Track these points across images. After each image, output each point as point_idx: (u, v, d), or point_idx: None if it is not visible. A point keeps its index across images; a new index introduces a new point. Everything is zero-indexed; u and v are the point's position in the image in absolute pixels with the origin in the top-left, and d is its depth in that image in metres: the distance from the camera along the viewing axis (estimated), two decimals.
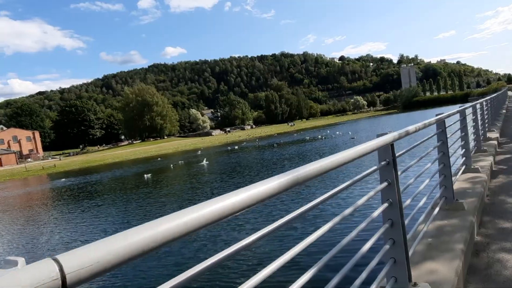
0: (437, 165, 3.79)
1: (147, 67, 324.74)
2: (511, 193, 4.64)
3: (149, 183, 20.99)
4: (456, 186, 4.29)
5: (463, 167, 5.14)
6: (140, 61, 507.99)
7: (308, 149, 28.26)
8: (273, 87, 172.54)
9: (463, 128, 5.34)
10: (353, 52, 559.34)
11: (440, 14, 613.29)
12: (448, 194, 3.76)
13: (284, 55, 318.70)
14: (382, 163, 2.15)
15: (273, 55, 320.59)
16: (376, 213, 2.11)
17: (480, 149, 6.96)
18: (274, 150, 32.94)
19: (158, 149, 66.84)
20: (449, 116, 3.96)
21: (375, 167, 2.15)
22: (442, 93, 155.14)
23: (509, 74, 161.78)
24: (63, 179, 33.38)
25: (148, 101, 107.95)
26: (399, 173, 2.25)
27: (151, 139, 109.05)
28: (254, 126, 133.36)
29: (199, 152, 43.87)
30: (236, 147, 44.26)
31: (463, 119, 5.37)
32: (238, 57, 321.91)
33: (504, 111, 17.55)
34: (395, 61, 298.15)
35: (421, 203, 3.01)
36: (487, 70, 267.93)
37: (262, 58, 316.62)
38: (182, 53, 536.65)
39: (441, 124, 3.76)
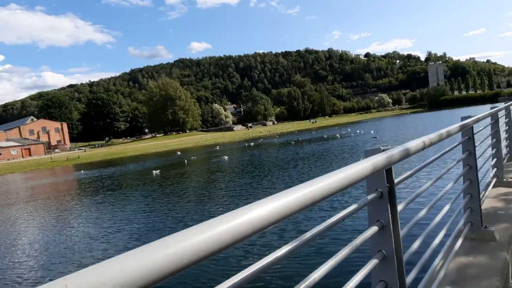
0: (461, 182, 2.98)
1: (173, 62, 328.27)
2: None
3: (156, 180, 20.52)
4: (484, 206, 3.46)
5: (494, 180, 4.23)
6: (166, 56, 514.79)
7: (325, 149, 27.01)
8: (296, 83, 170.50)
9: (495, 133, 4.45)
10: (379, 49, 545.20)
11: (470, 11, 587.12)
12: (475, 219, 2.95)
13: (308, 51, 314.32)
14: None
15: (297, 51, 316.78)
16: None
17: (502, 180, 5.42)
18: (290, 148, 31.90)
19: (179, 143, 67.18)
20: (478, 120, 3.10)
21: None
22: (471, 92, 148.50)
23: None
24: (82, 171, 33.78)
25: (171, 95, 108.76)
26: (399, 206, 1.51)
27: (174, 133, 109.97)
28: (276, 122, 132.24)
29: (218, 148, 43.50)
30: (252, 143, 43.31)
31: (494, 123, 4.49)
32: (262, 53, 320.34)
33: None
34: (422, 58, 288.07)
35: (437, 240, 2.22)
36: None
37: (286, 54, 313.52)
38: (207, 48, 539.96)
39: (468, 131, 2.93)
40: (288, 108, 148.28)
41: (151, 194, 16.40)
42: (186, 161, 29.98)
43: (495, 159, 4.40)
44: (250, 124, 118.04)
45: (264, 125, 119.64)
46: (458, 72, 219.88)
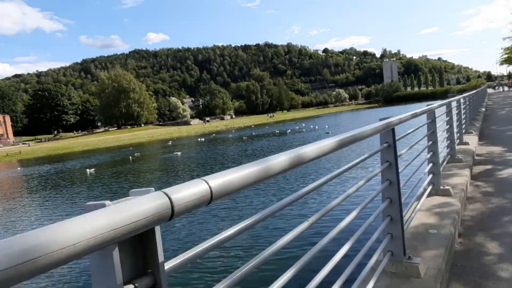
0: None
1: (128, 52, 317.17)
2: (492, 232, 3.30)
3: (87, 180, 18.88)
4: (413, 222, 3.18)
5: (429, 187, 3.88)
6: (122, 46, 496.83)
7: (274, 145, 26.16)
8: (255, 77, 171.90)
9: (431, 134, 5.07)
10: (337, 45, 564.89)
11: (423, 10, 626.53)
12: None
13: (268, 45, 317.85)
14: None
15: (257, 45, 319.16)
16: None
17: (454, 157, 5.66)
18: (240, 144, 31.17)
19: (132, 137, 65.55)
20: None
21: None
22: (423, 88, 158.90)
23: (489, 72, 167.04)
24: (19, 168, 31.53)
25: (124, 87, 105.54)
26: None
27: (128, 127, 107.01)
28: (234, 116, 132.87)
29: (170, 143, 42.23)
30: (203, 139, 42.30)
31: (431, 122, 4.58)
32: (222, 45, 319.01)
33: (483, 109, 17.93)
34: (378, 55, 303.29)
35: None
36: (468, 68, 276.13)
37: (245, 48, 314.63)
38: (165, 39, 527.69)
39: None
40: (247, 102, 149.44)
41: (72, 197, 14.86)
42: (131, 157, 27.88)
43: (430, 165, 3.96)
44: (207, 118, 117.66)
45: (222, 119, 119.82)
46: (411, 69, 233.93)
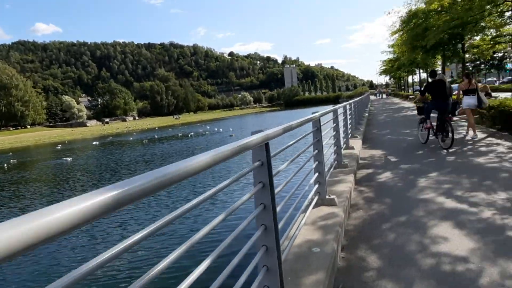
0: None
1: (11, 43, 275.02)
2: (373, 242, 3.29)
3: None
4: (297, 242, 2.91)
5: (316, 197, 3.79)
6: (3, 37, 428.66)
7: (175, 150, 24.43)
8: (159, 77, 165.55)
9: (316, 142, 5.69)
10: (242, 49, 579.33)
11: (318, 22, 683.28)
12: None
13: (173, 45, 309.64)
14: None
15: (162, 44, 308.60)
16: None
17: (341, 163, 5.79)
18: (139, 148, 28.72)
19: (15, 140, 56.79)
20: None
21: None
22: (318, 94, 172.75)
23: (371, 81, 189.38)
24: None
25: (4, 83, 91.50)
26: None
27: (10, 128, 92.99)
28: (137, 118, 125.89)
29: (60, 147, 37.08)
30: (98, 142, 38.68)
31: (316, 131, 5.62)
32: (123, 42, 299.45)
33: (367, 114, 19.68)
34: (279, 61, 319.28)
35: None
36: (355, 76, 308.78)
37: (149, 46, 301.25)
38: (57, 31, 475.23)
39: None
40: (151, 103, 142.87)
41: None
42: (6, 165, 23.63)
43: (316, 174, 3.88)
44: (107, 120, 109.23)
45: (124, 120, 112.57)
46: (309, 75, 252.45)
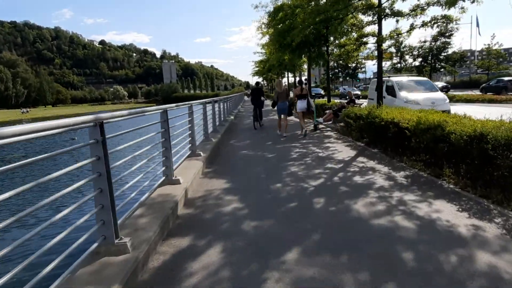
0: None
1: None
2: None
3: None
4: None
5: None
6: None
7: None
8: (4, 61, 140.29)
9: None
10: (117, 39, 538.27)
11: (198, 20, 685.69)
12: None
13: (29, 25, 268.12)
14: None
15: (13, 23, 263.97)
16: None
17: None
18: None
19: None
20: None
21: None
22: (198, 91, 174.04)
23: (247, 82, 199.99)
24: None
25: None
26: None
27: None
28: None
29: None
30: None
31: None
32: None
33: (232, 117, 18.13)
34: (158, 55, 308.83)
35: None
36: (234, 76, 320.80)
37: None
38: None
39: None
40: None
41: None
42: None
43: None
44: None
45: None
46: (189, 72, 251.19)
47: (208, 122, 9.10)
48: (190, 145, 6.58)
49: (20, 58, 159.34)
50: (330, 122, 12.32)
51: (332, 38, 15.21)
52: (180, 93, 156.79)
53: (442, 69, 35.58)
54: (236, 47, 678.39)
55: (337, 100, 18.63)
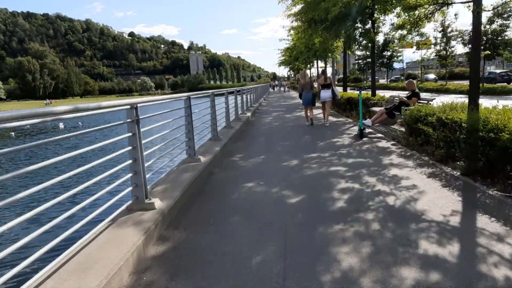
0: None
1: None
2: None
3: None
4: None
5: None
6: None
7: None
8: (32, 52, 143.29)
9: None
10: (145, 31, 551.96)
11: (225, 12, 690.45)
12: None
13: (60, 17, 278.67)
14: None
15: (46, 15, 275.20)
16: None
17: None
18: None
19: None
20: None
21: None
22: (224, 83, 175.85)
23: (274, 73, 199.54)
24: None
25: None
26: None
27: None
28: (7, 100, 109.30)
29: None
30: None
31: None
32: None
33: (249, 114, 14.75)
34: (185, 47, 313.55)
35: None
36: (260, 68, 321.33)
37: (29, 16, 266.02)
38: None
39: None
40: (20, 83, 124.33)
41: None
42: None
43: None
44: None
45: None
46: (216, 63, 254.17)
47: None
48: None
49: (46, 49, 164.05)
50: (377, 124, 8.83)
51: (377, 14, 11.71)
52: (206, 84, 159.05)
53: (497, 56, 29.26)
54: (262, 39, 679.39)
55: (385, 94, 12.90)
